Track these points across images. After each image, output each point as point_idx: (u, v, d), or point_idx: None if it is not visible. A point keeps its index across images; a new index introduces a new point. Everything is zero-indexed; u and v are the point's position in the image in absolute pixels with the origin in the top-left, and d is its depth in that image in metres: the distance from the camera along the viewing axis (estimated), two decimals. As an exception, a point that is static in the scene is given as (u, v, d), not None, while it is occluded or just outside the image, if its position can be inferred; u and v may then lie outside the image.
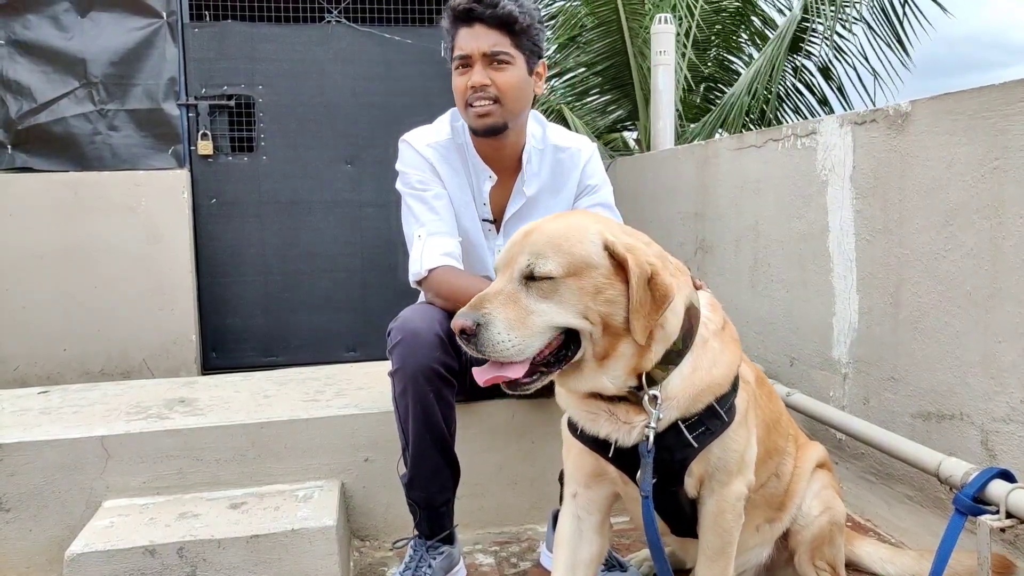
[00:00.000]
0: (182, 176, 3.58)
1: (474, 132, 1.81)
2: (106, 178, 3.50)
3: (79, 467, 1.90)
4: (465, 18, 1.75)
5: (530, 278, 1.18)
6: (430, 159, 1.85)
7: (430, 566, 1.72)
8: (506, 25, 1.74)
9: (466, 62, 1.76)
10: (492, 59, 1.74)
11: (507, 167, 1.88)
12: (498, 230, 1.91)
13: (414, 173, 1.85)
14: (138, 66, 3.56)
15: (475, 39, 1.74)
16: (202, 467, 1.96)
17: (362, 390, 2.26)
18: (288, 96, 3.72)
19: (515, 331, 1.16)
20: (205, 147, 3.63)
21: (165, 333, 3.55)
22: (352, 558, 1.97)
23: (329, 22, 3.75)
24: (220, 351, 3.75)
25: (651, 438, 1.22)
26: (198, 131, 3.63)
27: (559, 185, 1.92)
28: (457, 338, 1.19)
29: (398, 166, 1.89)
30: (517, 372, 1.19)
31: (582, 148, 1.94)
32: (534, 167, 1.89)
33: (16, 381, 3.36)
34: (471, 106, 1.76)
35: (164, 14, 3.56)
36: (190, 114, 3.63)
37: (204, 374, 3.53)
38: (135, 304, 3.52)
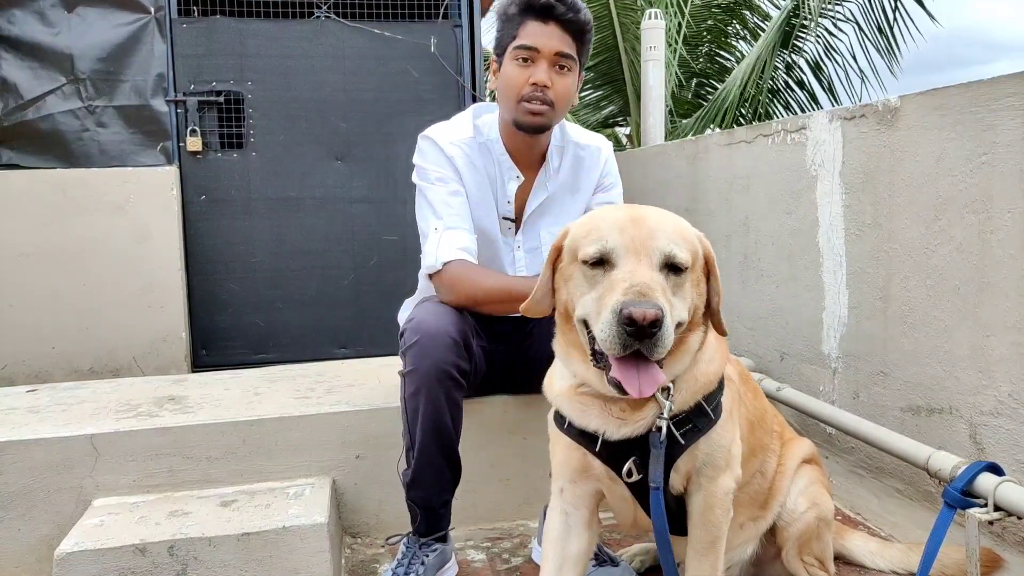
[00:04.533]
0: (171, 173, 3.55)
1: (518, 126, 1.79)
2: (94, 175, 3.47)
3: (68, 466, 1.89)
4: (542, 13, 1.71)
5: (667, 268, 1.14)
6: (453, 156, 1.83)
7: (422, 563, 1.72)
8: (578, 32, 1.74)
9: (531, 56, 1.73)
10: (558, 61, 1.73)
11: (531, 165, 1.88)
12: (518, 227, 1.91)
13: (433, 169, 1.83)
14: (126, 62, 3.53)
15: (548, 37, 1.71)
16: (192, 465, 1.95)
17: (353, 387, 2.26)
18: (278, 92, 3.70)
19: (672, 327, 1.10)
20: (194, 144, 3.60)
21: (155, 331, 3.53)
22: (344, 555, 1.97)
23: (319, 17, 3.73)
24: (210, 349, 3.73)
25: (664, 429, 1.22)
26: (187, 128, 3.60)
27: (578, 182, 1.93)
28: (626, 333, 1.05)
29: (417, 160, 1.87)
30: (661, 373, 1.12)
31: (602, 147, 1.96)
32: (555, 163, 1.90)
33: (4, 380, 3.33)
34: (526, 102, 1.74)
35: (152, 9, 3.53)
36: (179, 110, 3.60)
37: (194, 372, 3.52)
38: (124, 302, 3.49)
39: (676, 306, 1.13)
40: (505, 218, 1.89)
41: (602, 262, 1.15)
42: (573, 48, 1.75)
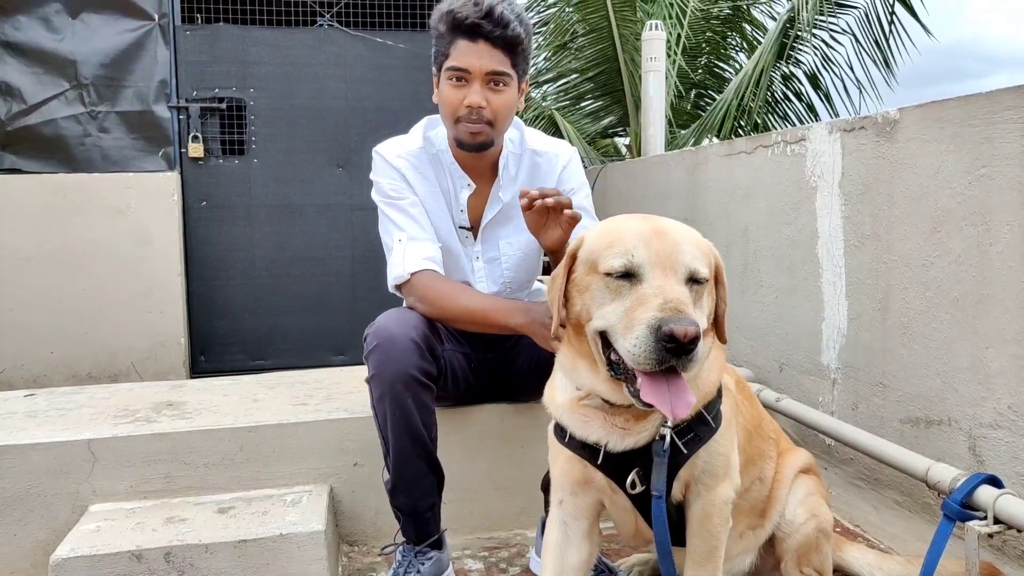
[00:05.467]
0: (172, 179, 3.56)
1: (460, 145, 1.79)
2: (96, 180, 3.48)
3: (65, 471, 1.88)
4: (469, 32, 1.68)
5: (691, 282, 1.15)
6: (400, 168, 1.84)
7: (418, 571, 1.71)
8: (510, 47, 1.71)
9: (463, 76, 1.71)
10: (491, 79, 1.71)
11: (484, 174, 1.87)
12: (475, 237, 1.91)
13: (387, 182, 1.84)
14: (129, 68, 3.54)
15: (478, 57, 1.69)
16: (190, 471, 1.94)
17: (351, 394, 2.25)
18: (280, 99, 3.71)
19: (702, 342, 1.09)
20: (196, 150, 3.61)
21: (153, 336, 3.52)
22: (340, 563, 1.96)
23: (321, 26, 3.74)
24: (209, 354, 3.72)
25: (668, 438, 1.22)
26: (189, 134, 3.61)
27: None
28: (666, 350, 1.05)
29: (372, 176, 1.88)
30: (691, 391, 1.12)
31: (560, 153, 1.92)
32: (511, 172, 1.88)
33: (2, 384, 3.33)
34: (463, 122, 1.73)
35: (155, 16, 3.55)
36: (181, 116, 3.61)
37: (192, 377, 3.51)
38: (123, 307, 3.49)
39: (699, 319, 1.13)
40: (461, 227, 1.88)
41: (628, 275, 1.14)
42: (507, 63, 1.71)
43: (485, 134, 1.75)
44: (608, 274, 1.15)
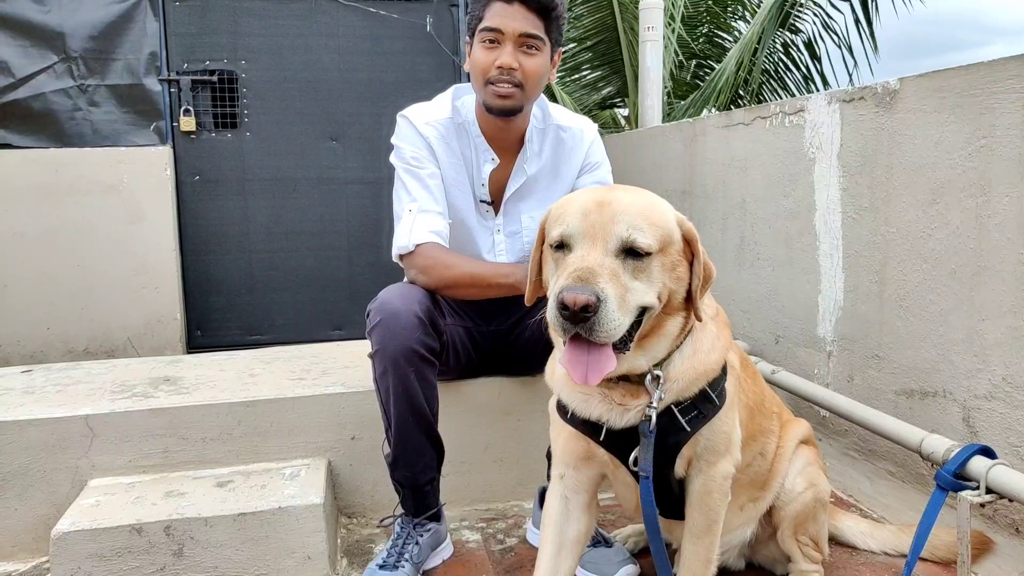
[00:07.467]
0: (164, 153, 3.52)
1: (488, 110, 1.77)
2: (87, 155, 3.44)
3: (64, 446, 1.89)
4: None
5: (627, 252, 1.13)
6: (428, 137, 1.82)
7: (416, 543, 1.73)
8: (544, 11, 1.71)
9: (496, 38, 1.71)
10: (524, 42, 1.71)
11: (509, 147, 1.86)
12: (496, 210, 1.90)
13: (409, 149, 1.82)
14: (118, 40, 3.48)
15: (512, 18, 1.69)
16: (188, 446, 1.95)
17: (348, 368, 2.26)
18: (272, 71, 3.66)
19: (620, 311, 1.08)
20: (187, 123, 3.56)
21: (149, 312, 3.52)
22: (339, 535, 1.98)
23: (313, -5, 3.68)
24: (205, 330, 3.72)
25: (653, 418, 1.22)
26: (180, 107, 3.56)
27: (559, 165, 1.91)
28: (561, 317, 1.07)
29: (394, 140, 1.86)
30: (612, 360, 1.11)
31: (585, 129, 1.93)
32: (535, 146, 1.88)
33: (-1, 360, 3.33)
34: (492, 84, 1.72)
35: (144, -14, 3.48)
36: (172, 90, 3.56)
37: (189, 353, 3.51)
38: (118, 283, 3.48)
39: (638, 290, 1.13)
40: (482, 201, 1.88)
41: (563, 246, 1.17)
42: (540, 27, 1.72)
43: (515, 98, 1.74)
44: (551, 245, 1.19)
